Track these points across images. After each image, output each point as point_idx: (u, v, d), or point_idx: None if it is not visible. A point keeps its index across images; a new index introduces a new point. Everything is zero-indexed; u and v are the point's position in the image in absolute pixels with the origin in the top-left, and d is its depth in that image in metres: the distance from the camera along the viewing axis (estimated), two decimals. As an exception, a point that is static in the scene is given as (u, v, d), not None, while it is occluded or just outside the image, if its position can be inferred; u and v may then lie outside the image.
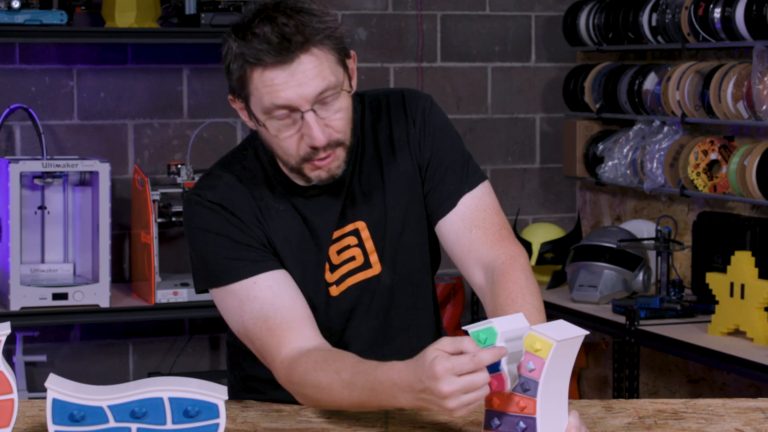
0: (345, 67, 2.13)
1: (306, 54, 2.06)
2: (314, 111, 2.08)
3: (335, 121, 2.11)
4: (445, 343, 1.85)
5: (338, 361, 2.02)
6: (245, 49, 2.06)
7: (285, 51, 2.05)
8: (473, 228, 2.23)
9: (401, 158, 2.25)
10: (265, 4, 2.10)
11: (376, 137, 2.26)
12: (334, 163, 2.14)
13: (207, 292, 2.22)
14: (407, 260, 2.27)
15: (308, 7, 2.09)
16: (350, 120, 2.15)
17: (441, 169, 2.25)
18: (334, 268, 2.23)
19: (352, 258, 2.24)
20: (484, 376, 1.81)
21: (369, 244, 2.24)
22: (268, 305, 2.13)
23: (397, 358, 2.24)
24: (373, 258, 2.24)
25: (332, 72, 2.09)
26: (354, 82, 2.17)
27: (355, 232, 2.24)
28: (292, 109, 2.08)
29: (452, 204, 2.24)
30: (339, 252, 2.23)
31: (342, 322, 2.25)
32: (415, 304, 2.30)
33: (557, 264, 4.90)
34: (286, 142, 2.12)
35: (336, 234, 2.23)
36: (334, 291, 2.24)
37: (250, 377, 2.32)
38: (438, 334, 2.38)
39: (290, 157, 2.14)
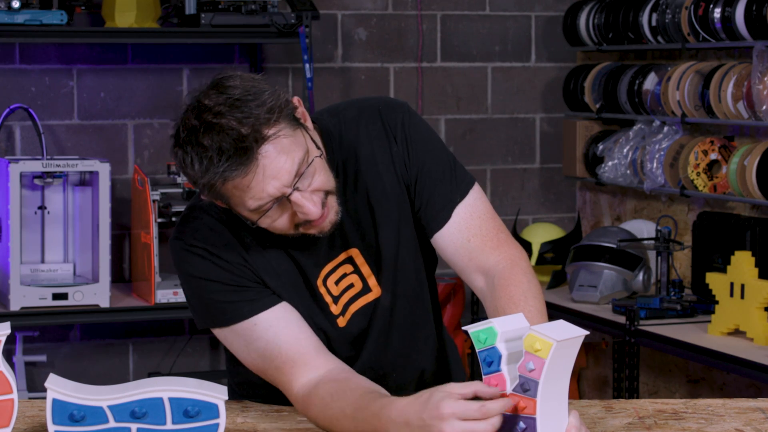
0: (299, 124, 2.06)
1: (265, 144, 1.97)
2: (297, 188, 2.03)
3: (317, 182, 2.06)
4: (454, 386, 1.86)
5: (345, 393, 2.03)
6: (206, 170, 1.98)
7: (245, 155, 1.96)
8: (471, 237, 2.21)
9: (387, 178, 2.21)
10: (196, 107, 2.00)
11: (357, 160, 2.20)
12: (331, 213, 2.09)
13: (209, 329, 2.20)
14: (404, 278, 2.25)
15: (239, 94, 1.99)
16: (327, 167, 2.09)
17: (430, 183, 2.21)
18: (336, 299, 2.21)
19: (351, 285, 2.21)
20: (486, 426, 1.81)
21: (365, 269, 2.21)
22: (271, 345, 2.11)
23: (398, 374, 2.23)
24: (372, 281, 2.22)
25: (295, 144, 2.02)
26: (309, 122, 2.10)
27: (350, 260, 2.20)
28: (277, 198, 2.03)
29: (447, 216, 2.21)
30: (337, 282, 2.20)
31: (347, 349, 2.24)
32: (415, 321, 2.29)
33: (557, 264, 4.90)
34: (281, 224, 2.08)
35: (330, 266, 2.19)
36: (342, 322, 2.22)
37: (246, 383, 2.31)
38: (439, 344, 2.37)
39: (287, 231, 2.09)
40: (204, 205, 2.18)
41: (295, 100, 2.07)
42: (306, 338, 2.13)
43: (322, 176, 2.06)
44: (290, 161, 2.00)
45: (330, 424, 2.05)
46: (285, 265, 2.17)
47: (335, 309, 2.21)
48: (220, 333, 2.19)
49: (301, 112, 2.08)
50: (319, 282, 2.19)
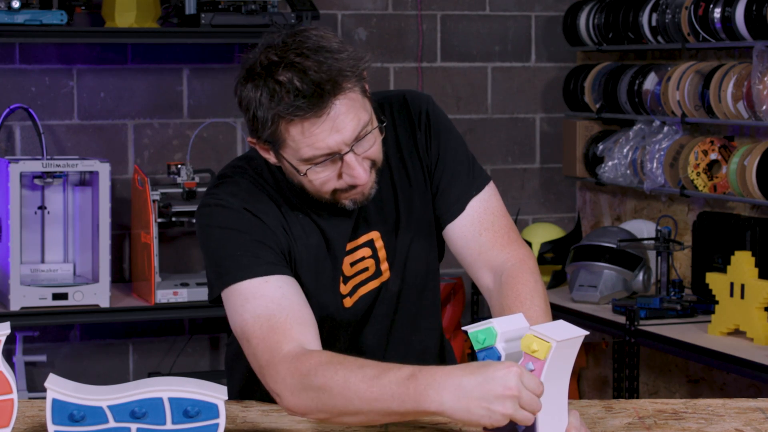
0: (366, 95, 2.08)
1: (338, 97, 2.00)
2: (353, 151, 2.04)
3: (372, 151, 2.08)
4: (522, 370, 1.82)
5: (358, 360, 1.94)
6: (278, 103, 1.98)
7: (320, 100, 1.98)
8: (482, 232, 2.23)
9: (410, 163, 2.24)
10: (281, 46, 2.01)
11: (383, 144, 2.20)
12: (368, 185, 2.11)
13: (220, 300, 2.12)
14: (416, 266, 2.26)
15: (325, 43, 2.01)
16: (380, 142, 2.11)
17: (448, 172, 2.25)
18: (347, 279, 2.21)
19: (365, 269, 2.22)
20: (540, 403, 1.81)
21: (382, 253, 2.22)
22: (274, 304, 2.03)
23: (399, 362, 2.23)
24: (384, 266, 2.23)
25: (363, 107, 2.04)
26: (368, 94, 2.12)
27: (370, 243, 2.21)
28: (331, 153, 2.04)
29: (461, 208, 2.24)
30: (352, 264, 2.21)
31: (350, 330, 2.24)
32: (420, 309, 2.29)
33: (557, 264, 4.90)
34: (323, 182, 2.08)
35: (350, 245, 2.20)
36: (348, 302, 2.22)
37: (246, 388, 2.31)
38: (441, 337, 2.38)
39: (324, 193, 2.10)
40: (239, 171, 2.17)
41: (365, 73, 2.09)
42: (310, 312, 2.07)
43: (376, 147, 2.09)
44: (356, 120, 2.03)
45: (328, 384, 1.90)
46: (315, 238, 2.17)
47: (344, 289, 2.21)
48: (225, 294, 2.08)
49: (367, 87, 2.10)
50: (340, 260, 2.20)
